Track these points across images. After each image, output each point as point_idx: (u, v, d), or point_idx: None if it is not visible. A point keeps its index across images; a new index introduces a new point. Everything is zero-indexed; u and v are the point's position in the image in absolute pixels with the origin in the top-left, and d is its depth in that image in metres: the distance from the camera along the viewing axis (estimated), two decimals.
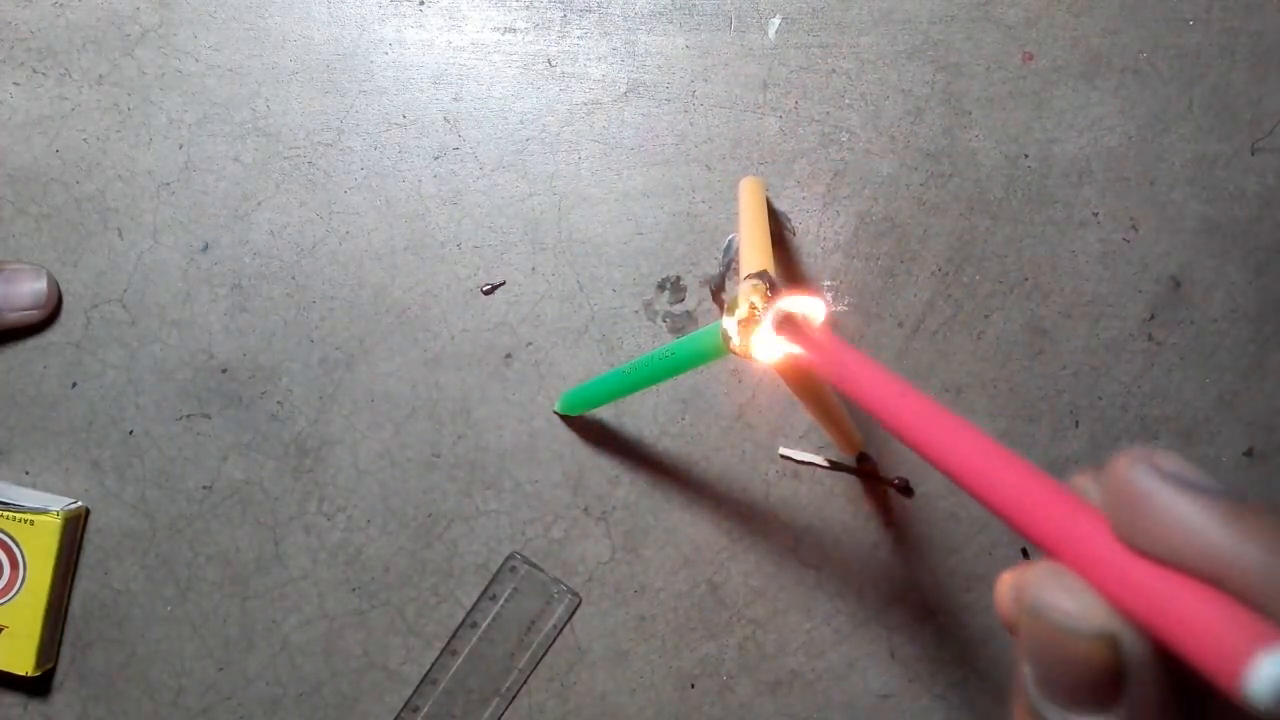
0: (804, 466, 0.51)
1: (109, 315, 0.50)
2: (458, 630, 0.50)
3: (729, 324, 0.34)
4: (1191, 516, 0.16)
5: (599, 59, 0.51)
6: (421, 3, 0.51)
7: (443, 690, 0.50)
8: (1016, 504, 0.19)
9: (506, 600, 0.50)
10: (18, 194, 0.49)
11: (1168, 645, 0.16)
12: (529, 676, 0.51)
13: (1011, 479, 0.20)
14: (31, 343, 0.49)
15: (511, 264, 0.51)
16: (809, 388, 0.39)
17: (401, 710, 0.50)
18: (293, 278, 0.50)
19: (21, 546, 0.47)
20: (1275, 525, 0.15)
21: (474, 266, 0.51)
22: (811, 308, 0.32)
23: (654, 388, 0.50)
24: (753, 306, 0.33)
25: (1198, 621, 0.15)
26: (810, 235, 0.51)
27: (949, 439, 0.22)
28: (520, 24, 0.51)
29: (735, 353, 0.34)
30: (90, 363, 0.49)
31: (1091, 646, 0.16)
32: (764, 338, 0.32)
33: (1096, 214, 0.52)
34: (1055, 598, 0.17)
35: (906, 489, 0.51)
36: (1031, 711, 0.17)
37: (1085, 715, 0.17)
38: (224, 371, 0.50)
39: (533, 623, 0.50)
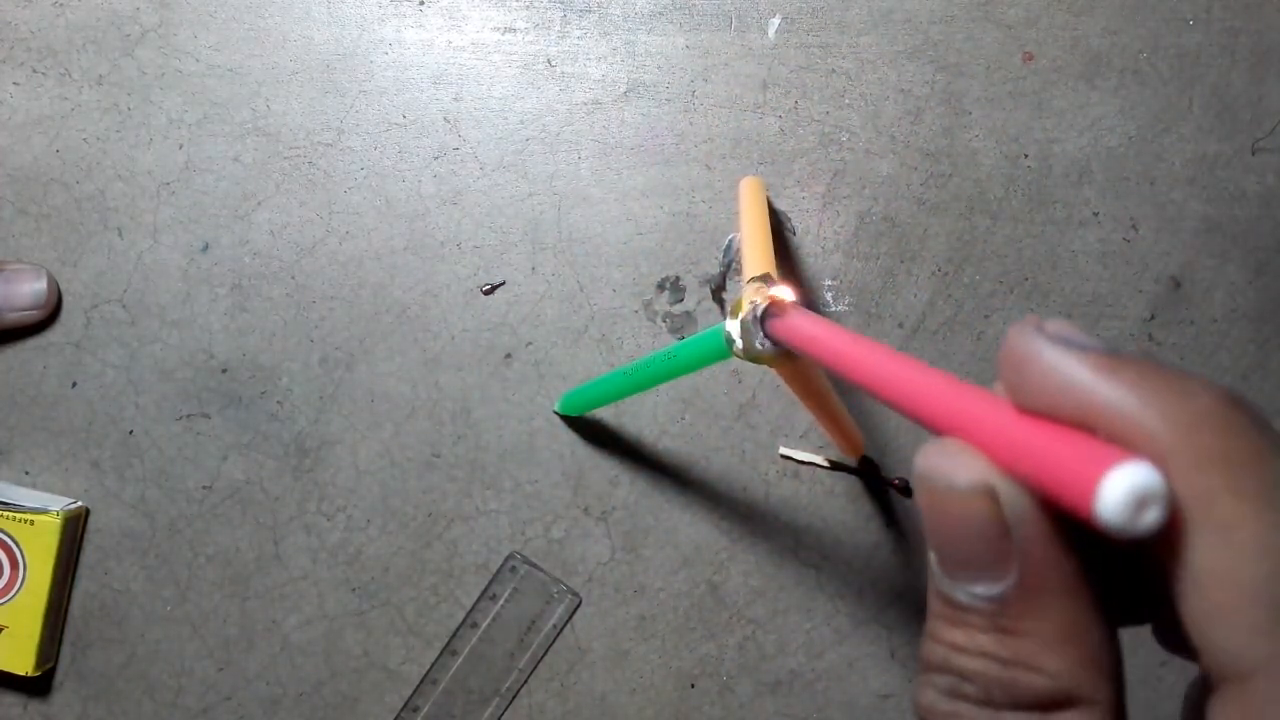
0: (804, 466, 0.51)
1: (109, 315, 0.50)
2: (458, 630, 0.50)
3: (731, 326, 0.34)
4: (1068, 369, 0.16)
5: (599, 59, 0.51)
6: (421, 3, 0.51)
7: (443, 690, 0.50)
8: (910, 390, 0.20)
9: (506, 600, 0.50)
10: (18, 194, 0.49)
11: (1036, 487, 0.16)
12: (529, 676, 0.51)
13: (906, 372, 0.21)
14: (31, 343, 0.49)
15: (511, 264, 0.51)
16: (809, 388, 0.39)
17: (401, 710, 0.50)
18: (293, 278, 0.50)
19: (21, 546, 0.47)
20: (1144, 371, 0.16)
21: (474, 266, 0.51)
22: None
23: (654, 388, 0.50)
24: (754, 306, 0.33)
25: (1058, 457, 0.16)
26: (810, 235, 0.51)
27: (859, 352, 0.23)
28: (520, 24, 0.51)
29: (738, 355, 0.34)
30: (90, 363, 0.49)
31: (971, 500, 0.17)
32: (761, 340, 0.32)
33: (1096, 214, 0.52)
34: (936, 461, 0.17)
35: (906, 489, 0.51)
36: (940, 595, 0.18)
37: (983, 584, 0.17)
38: (224, 371, 0.50)
39: (533, 623, 0.50)
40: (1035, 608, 0.16)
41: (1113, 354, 0.16)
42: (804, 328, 0.29)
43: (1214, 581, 0.15)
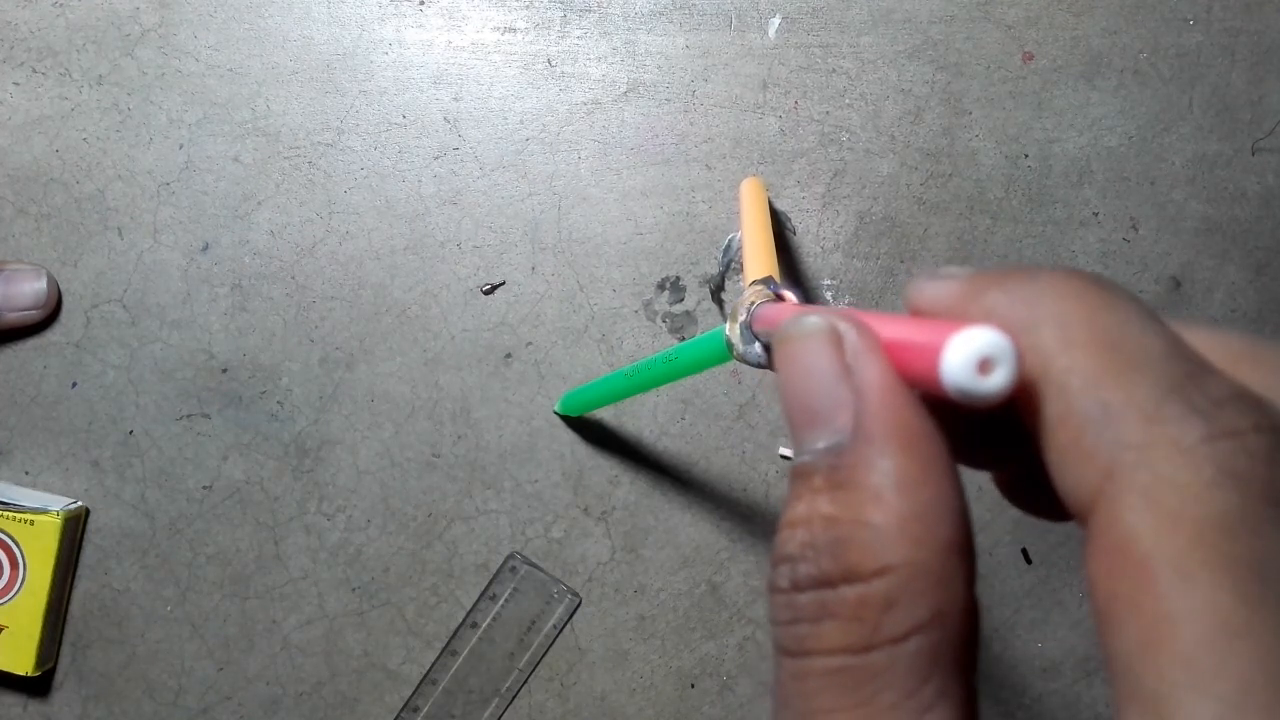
0: None
1: (109, 315, 0.50)
2: (458, 630, 0.50)
3: (731, 330, 0.34)
4: (947, 290, 0.18)
5: (599, 59, 0.51)
6: (421, 3, 0.51)
7: (443, 690, 0.50)
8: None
9: (506, 600, 0.50)
10: (18, 194, 0.49)
11: (905, 372, 0.17)
12: (529, 676, 0.51)
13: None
14: (31, 343, 0.49)
15: (511, 264, 0.51)
16: None
17: (401, 710, 0.50)
18: (293, 278, 0.50)
19: (21, 546, 0.47)
20: (1004, 272, 0.17)
21: (474, 266, 0.51)
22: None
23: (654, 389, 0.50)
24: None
25: (912, 334, 0.17)
26: (810, 235, 0.51)
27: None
28: (520, 24, 0.51)
29: (739, 359, 0.34)
30: (90, 363, 0.49)
31: (816, 340, 0.18)
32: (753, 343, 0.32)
33: (1096, 214, 0.52)
34: (793, 319, 0.19)
35: None
36: (792, 472, 0.18)
37: (826, 436, 0.17)
38: (224, 371, 0.50)
39: (533, 623, 0.50)
40: (871, 455, 0.16)
41: (983, 271, 0.18)
42: (781, 313, 0.29)
43: (1058, 426, 0.16)
